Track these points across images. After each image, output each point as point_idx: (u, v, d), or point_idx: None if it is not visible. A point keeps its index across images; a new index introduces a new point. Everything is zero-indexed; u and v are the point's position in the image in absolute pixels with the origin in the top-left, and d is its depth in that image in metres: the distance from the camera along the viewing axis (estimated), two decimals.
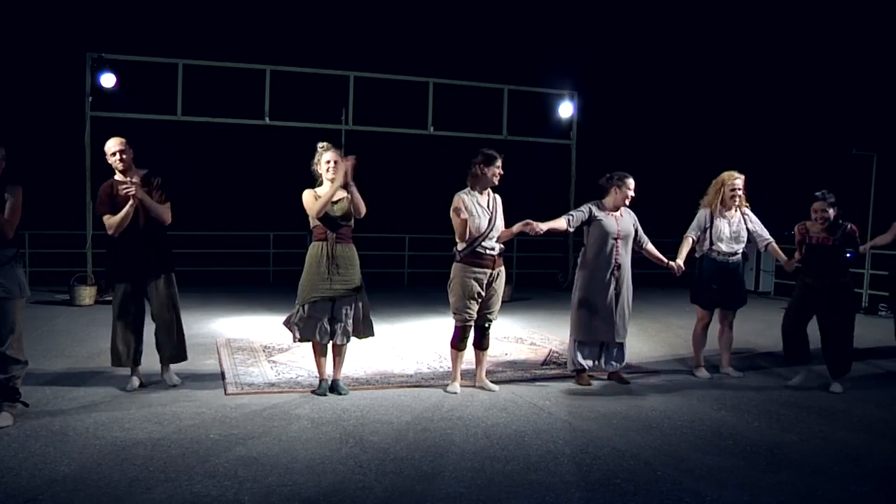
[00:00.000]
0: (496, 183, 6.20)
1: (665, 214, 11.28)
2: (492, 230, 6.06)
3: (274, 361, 7.25)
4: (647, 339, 9.01)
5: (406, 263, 16.12)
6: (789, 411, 5.83)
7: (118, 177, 6.00)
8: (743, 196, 6.95)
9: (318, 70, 12.72)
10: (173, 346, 6.23)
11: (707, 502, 3.98)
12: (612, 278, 6.48)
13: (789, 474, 4.41)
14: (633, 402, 6.03)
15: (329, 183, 5.87)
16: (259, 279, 15.46)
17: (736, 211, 6.98)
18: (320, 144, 6.03)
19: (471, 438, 4.97)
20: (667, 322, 10.43)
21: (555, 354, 7.90)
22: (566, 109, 13.62)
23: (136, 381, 6.11)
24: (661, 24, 20.21)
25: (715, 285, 6.93)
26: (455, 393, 6.17)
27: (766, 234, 7.04)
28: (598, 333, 6.54)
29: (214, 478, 4.12)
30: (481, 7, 20.35)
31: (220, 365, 7.07)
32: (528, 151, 13.82)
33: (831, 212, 6.44)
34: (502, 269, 6.27)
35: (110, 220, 5.86)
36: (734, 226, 6.94)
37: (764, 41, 19.40)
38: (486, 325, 6.29)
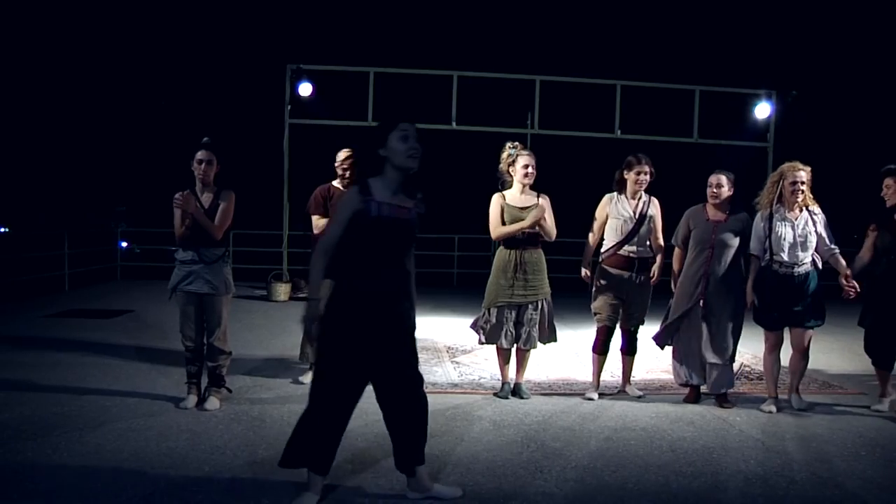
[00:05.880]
0: (639, 188, 6.09)
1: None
2: (635, 236, 5.99)
3: (457, 362, 7.36)
4: (840, 354, 8.33)
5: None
6: None
7: (336, 183, 6.27)
8: (808, 192, 5.76)
9: (503, 75, 12.79)
10: None
11: None
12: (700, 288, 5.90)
13: None
14: (837, 426, 5.51)
15: (521, 186, 5.87)
16: (443, 281, 15.74)
17: (801, 211, 5.77)
18: (510, 144, 5.98)
19: (655, 451, 4.80)
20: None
21: (745, 368, 7.50)
22: (763, 110, 12.87)
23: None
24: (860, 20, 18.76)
25: (777, 305, 5.77)
26: (591, 400, 6.06)
27: (829, 241, 5.77)
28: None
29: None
30: (668, 8, 19.78)
31: None
32: (720, 155, 13.22)
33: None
34: (648, 273, 6.12)
35: (319, 222, 6.12)
36: (799, 229, 5.70)
37: None
38: (633, 328, 6.23)
